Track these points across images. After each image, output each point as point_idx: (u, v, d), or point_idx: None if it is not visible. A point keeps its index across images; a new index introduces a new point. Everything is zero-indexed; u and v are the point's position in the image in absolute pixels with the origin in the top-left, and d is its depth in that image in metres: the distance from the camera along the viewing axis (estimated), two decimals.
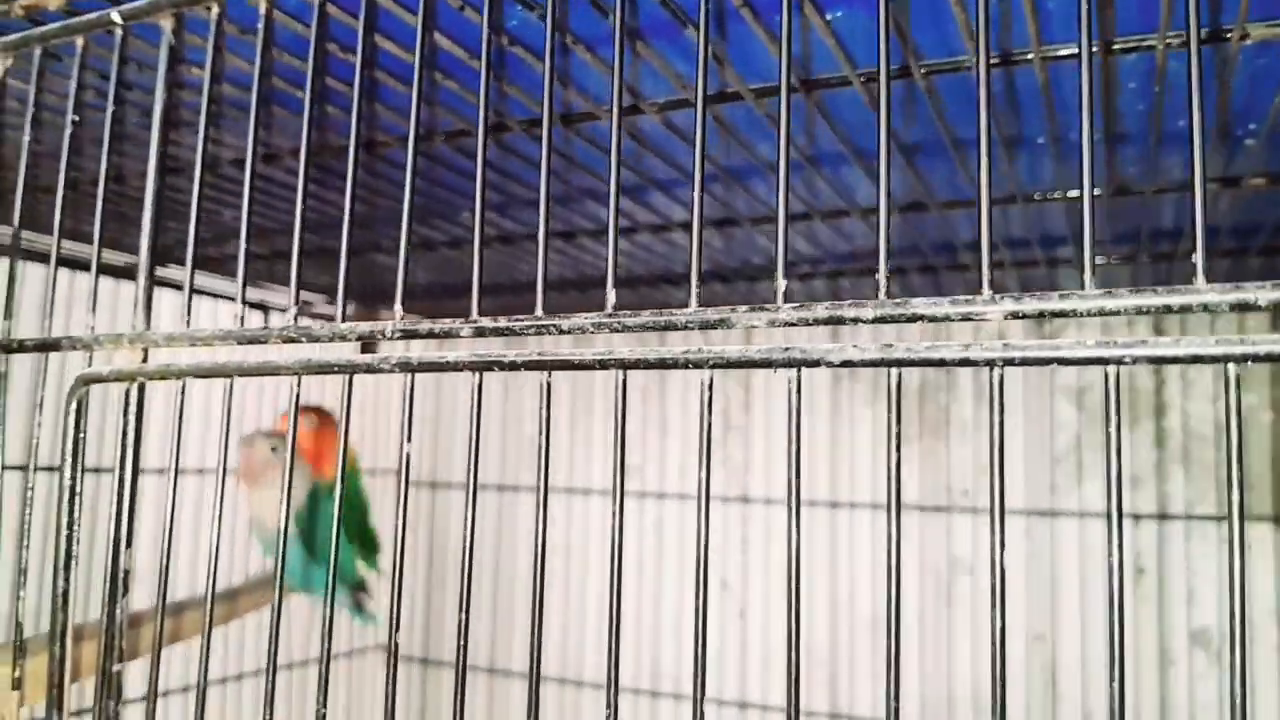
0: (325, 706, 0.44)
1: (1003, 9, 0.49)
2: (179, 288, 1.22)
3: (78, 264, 1.08)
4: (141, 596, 0.78)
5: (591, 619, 1.55)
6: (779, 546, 1.44)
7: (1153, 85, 0.58)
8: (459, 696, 0.41)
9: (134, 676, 1.00)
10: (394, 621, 0.44)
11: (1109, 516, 0.32)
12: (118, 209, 0.91)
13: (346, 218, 0.47)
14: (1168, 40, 0.51)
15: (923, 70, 0.56)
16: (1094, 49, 0.42)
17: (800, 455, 0.36)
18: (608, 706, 0.38)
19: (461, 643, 0.42)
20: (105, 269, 1.13)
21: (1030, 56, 0.53)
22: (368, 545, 1.33)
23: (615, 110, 0.41)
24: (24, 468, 0.53)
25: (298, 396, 0.46)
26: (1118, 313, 0.33)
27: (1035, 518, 1.30)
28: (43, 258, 1.07)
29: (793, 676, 0.35)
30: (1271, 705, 1.17)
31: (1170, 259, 1.05)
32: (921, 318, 0.35)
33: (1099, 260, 1.07)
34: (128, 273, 1.12)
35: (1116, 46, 0.52)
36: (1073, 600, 1.27)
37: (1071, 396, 1.30)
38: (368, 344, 1.66)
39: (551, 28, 0.43)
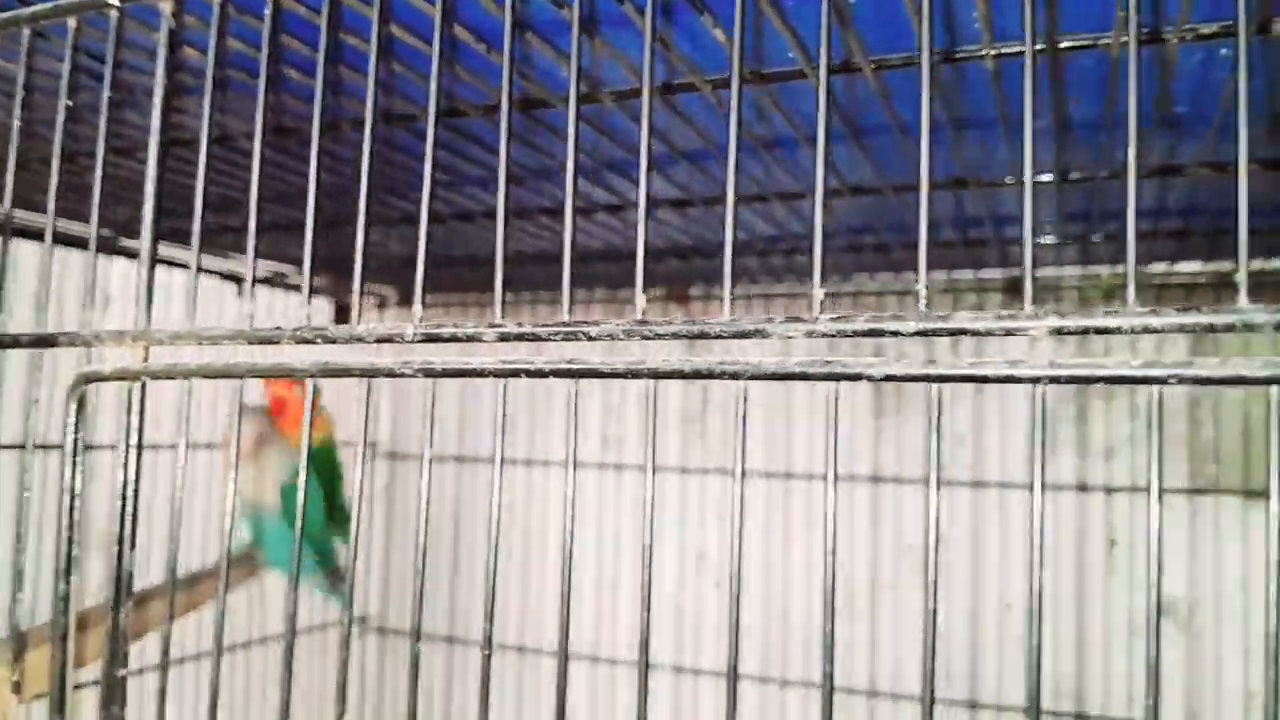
0: (290, 687, 0.44)
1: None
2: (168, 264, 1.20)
3: (66, 240, 1.05)
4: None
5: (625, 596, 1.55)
6: (757, 520, 1.45)
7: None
8: (485, 678, 0.41)
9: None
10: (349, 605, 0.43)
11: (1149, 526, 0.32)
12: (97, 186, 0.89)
13: (363, 206, 0.46)
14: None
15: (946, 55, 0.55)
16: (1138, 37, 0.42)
17: (837, 465, 0.36)
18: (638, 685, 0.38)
19: (488, 627, 0.42)
20: (85, 244, 1.10)
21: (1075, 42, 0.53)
22: (340, 521, 1.32)
23: (646, 93, 0.41)
24: (21, 463, 0.52)
25: (314, 399, 0.45)
26: (1161, 330, 0.33)
27: (1009, 490, 1.32)
28: (34, 236, 1.04)
29: (828, 650, 0.36)
30: (1237, 672, 1.20)
31: (1116, 239, 1.07)
32: (965, 332, 0.35)
33: (1049, 239, 1.09)
34: (106, 245, 1.09)
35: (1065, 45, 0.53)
36: (1046, 571, 1.29)
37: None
38: (341, 311, 1.65)
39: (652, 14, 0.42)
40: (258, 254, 1.29)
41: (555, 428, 1.57)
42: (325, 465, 1.28)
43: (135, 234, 1.12)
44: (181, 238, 1.18)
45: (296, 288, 1.45)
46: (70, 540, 0.49)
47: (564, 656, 0.40)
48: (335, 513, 1.30)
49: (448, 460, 1.63)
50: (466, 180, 0.90)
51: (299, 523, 0.46)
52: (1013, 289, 1.34)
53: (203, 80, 0.50)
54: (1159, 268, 1.24)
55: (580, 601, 1.53)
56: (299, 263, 1.41)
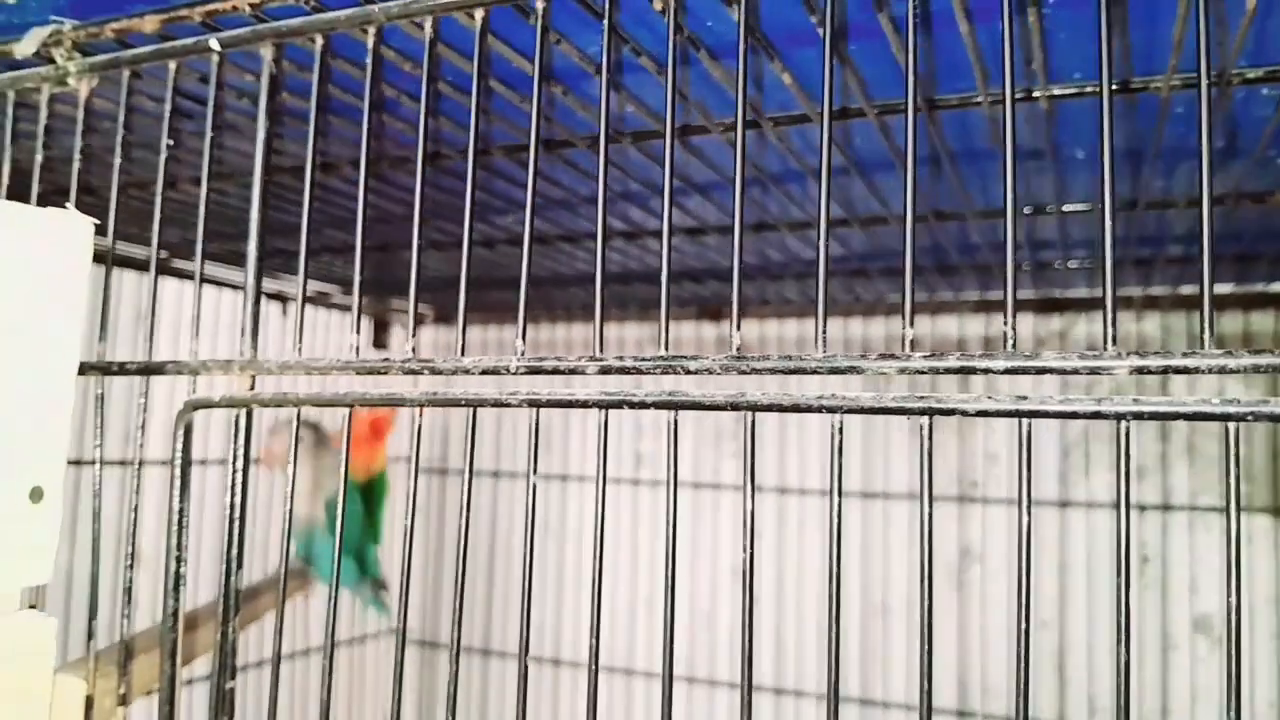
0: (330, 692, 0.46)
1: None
2: (217, 284, 1.23)
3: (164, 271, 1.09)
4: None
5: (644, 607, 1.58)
6: (810, 534, 1.47)
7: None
8: (478, 676, 0.43)
9: None
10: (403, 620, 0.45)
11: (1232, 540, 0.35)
12: (188, 218, 0.93)
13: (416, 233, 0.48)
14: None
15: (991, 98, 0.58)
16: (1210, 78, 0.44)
17: (931, 504, 0.39)
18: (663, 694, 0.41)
19: (523, 637, 0.44)
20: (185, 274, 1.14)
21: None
22: (379, 528, 1.35)
23: (740, 125, 0.43)
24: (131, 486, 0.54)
25: (419, 431, 0.48)
26: (1238, 371, 0.35)
27: (1044, 507, 1.33)
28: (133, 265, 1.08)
29: (833, 662, 0.38)
30: (1270, 689, 1.21)
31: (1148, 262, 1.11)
32: (1051, 370, 0.37)
33: (1075, 263, 1.11)
34: (161, 267, 1.12)
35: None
36: (1080, 588, 1.31)
37: (1081, 388, 1.34)
38: (380, 328, 1.67)
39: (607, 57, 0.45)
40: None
41: (590, 441, 1.60)
42: (376, 488, 1.31)
43: (186, 256, 1.16)
44: (231, 259, 1.22)
45: (339, 307, 1.48)
46: (179, 559, 0.52)
47: (594, 669, 0.43)
48: (375, 526, 1.33)
49: (484, 475, 1.65)
50: (493, 210, 0.94)
51: (338, 533, 0.49)
52: (1047, 308, 1.36)
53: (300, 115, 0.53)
54: (1188, 289, 1.26)
55: (613, 615, 1.56)
56: (341, 282, 1.45)
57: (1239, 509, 0.35)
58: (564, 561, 1.60)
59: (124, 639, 0.55)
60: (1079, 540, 1.32)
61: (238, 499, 0.51)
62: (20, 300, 0.50)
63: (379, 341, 1.62)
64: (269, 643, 1.27)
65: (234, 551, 0.51)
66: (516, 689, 0.44)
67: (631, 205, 0.92)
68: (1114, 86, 0.55)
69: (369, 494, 1.31)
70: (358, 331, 0.50)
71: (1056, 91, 0.60)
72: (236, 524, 0.51)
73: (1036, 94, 0.60)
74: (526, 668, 0.45)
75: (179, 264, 1.19)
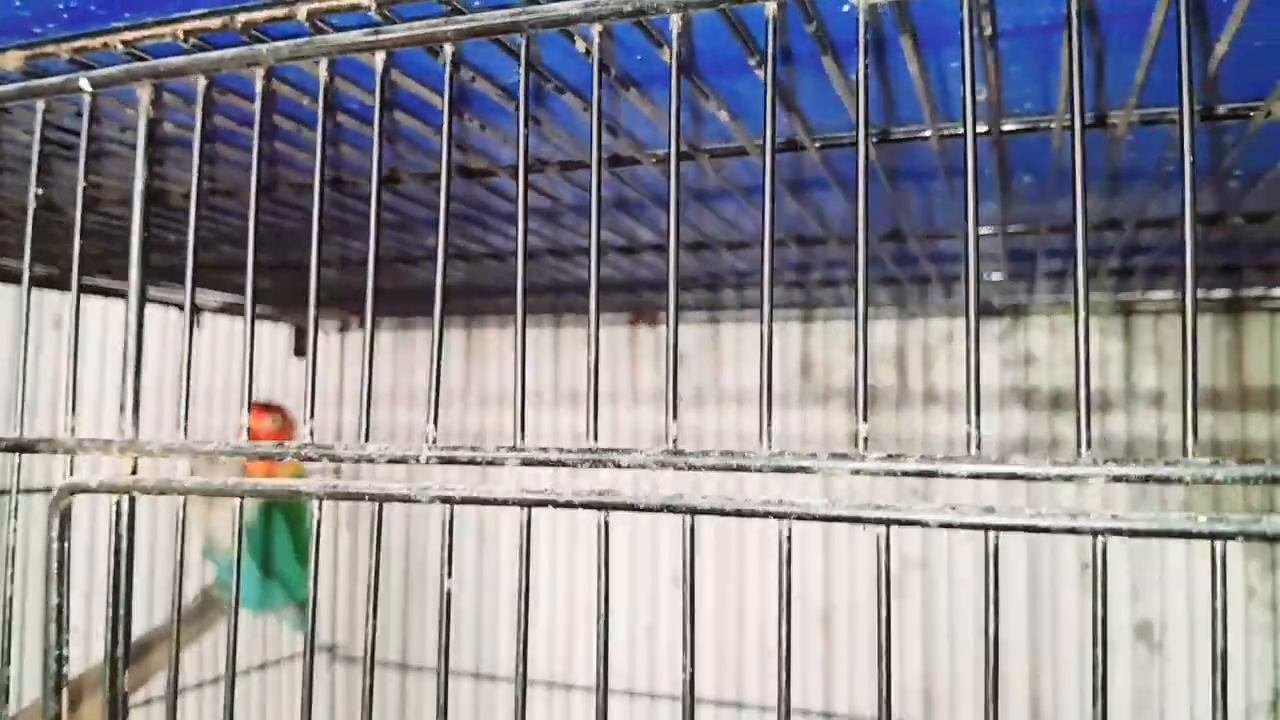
0: None
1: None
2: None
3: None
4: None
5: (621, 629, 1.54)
6: (752, 555, 1.44)
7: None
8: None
9: None
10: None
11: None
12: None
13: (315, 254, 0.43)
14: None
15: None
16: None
17: (890, 597, 0.35)
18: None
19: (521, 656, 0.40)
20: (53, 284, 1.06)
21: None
22: (301, 547, 1.29)
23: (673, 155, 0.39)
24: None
25: (319, 524, 0.43)
26: (1224, 482, 0.32)
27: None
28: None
29: (783, 678, 0.34)
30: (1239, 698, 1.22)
31: (1062, 276, 1.09)
32: (1020, 477, 0.34)
33: (996, 276, 1.09)
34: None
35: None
36: (1020, 597, 1.30)
37: (1044, 402, 1.32)
38: (300, 335, 1.61)
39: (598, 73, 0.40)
40: (214, 286, 1.25)
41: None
42: (296, 507, 1.24)
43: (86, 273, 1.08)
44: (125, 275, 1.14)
45: (259, 316, 1.41)
46: (60, 659, 0.46)
47: (522, 685, 0.39)
48: (301, 548, 1.28)
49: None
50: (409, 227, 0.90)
51: (236, 558, 0.44)
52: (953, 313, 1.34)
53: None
54: (1134, 295, 1.24)
55: (550, 629, 1.52)
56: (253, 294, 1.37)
57: (1225, 628, 0.32)
58: (498, 568, 1.56)
59: None
60: (1019, 552, 1.31)
61: (121, 594, 0.46)
62: None
63: (299, 349, 1.55)
64: (188, 669, 1.22)
65: (118, 653, 0.46)
66: (437, 702, 0.40)
67: (562, 224, 0.87)
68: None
69: (294, 512, 1.25)
70: (248, 409, 0.45)
71: (1009, 126, 0.57)
72: (121, 623, 0.46)
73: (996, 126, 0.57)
74: (447, 679, 0.40)
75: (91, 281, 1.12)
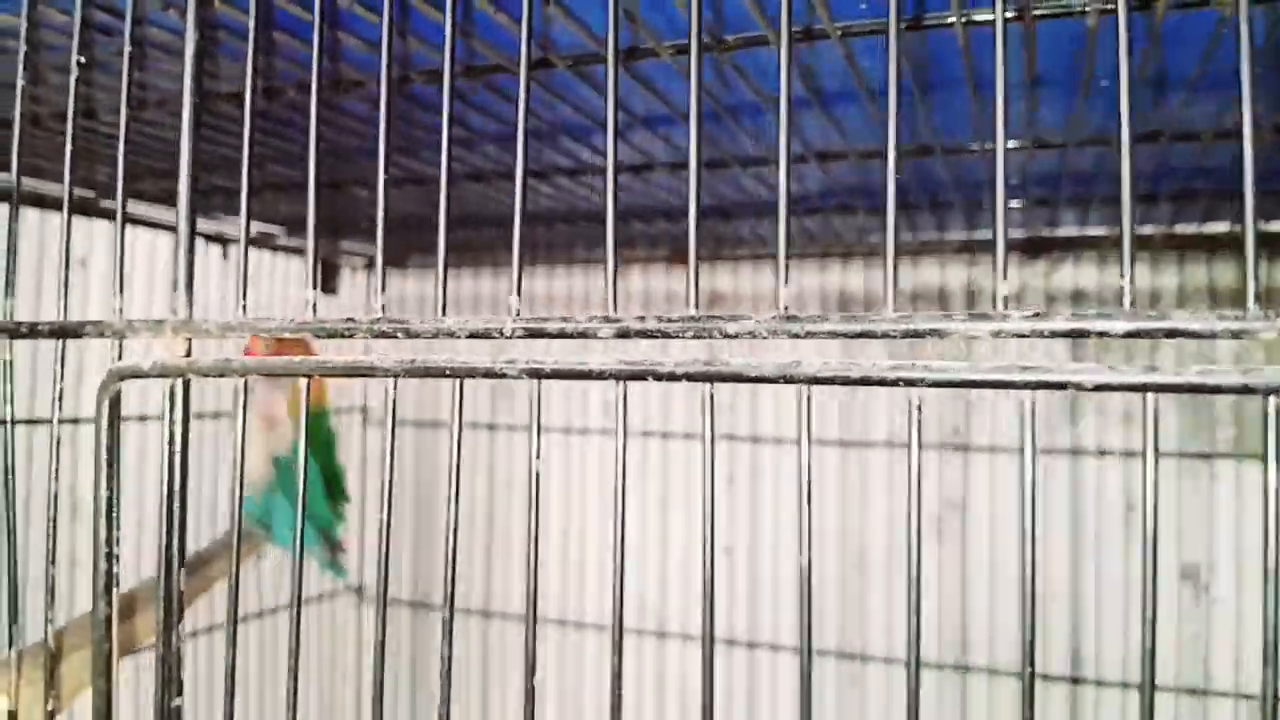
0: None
1: None
2: (153, 225, 1.12)
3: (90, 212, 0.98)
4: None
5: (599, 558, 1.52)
6: (767, 483, 1.41)
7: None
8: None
9: None
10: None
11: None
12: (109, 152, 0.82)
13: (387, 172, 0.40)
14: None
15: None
16: None
17: (1035, 479, 0.32)
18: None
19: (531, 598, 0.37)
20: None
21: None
22: (336, 494, 1.27)
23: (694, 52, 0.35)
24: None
25: (394, 404, 0.40)
26: None
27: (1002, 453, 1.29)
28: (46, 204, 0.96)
29: (806, 613, 0.31)
30: (1258, 639, 1.19)
31: (1088, 202, 1.05)
32: (1181, 333, 0.31)
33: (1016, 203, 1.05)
34: (90, 207, 1.02)
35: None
36: (1063, 535, 1.27)
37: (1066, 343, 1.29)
38: (329, 271, 1.57)
39: None
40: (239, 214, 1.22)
41: (593, 402, 1.52)
42: (320, 435, 1.22)
43: (112, 195, 1.05)
44: (165, 198, 1.11)
45: (285, 249, 1.38)
46: (110, 556, 0.43)
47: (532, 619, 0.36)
48: (331, 484, 1.25)
49: (480, 427, 1.57)
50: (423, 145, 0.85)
51: (300, 498, 0.41)
52: (1030, 248, 1.30)
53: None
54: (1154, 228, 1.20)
55: (586, 571, 1.50)
56: (285, 223, 1.34)
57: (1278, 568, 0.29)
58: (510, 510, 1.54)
59: (49, 647, 0.47)
60: (1061, 488, 1.28)
61: (176, 485, 0.43)
62: None
63: (327, 287, 1.52)
64: (219, 608, 1.20)
65: (174, 547, 0.43)
66: (525, 645, 0.37)
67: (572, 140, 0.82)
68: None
69: (321, 448, 1.22)
70: (315, 286, 0.42)
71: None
72: (176, 515, 0.43)
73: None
74: (535, 628, 0.38)
75: (107, 204, 1.09)
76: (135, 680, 0.98)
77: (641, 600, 1.47)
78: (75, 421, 1.05)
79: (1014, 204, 1.07)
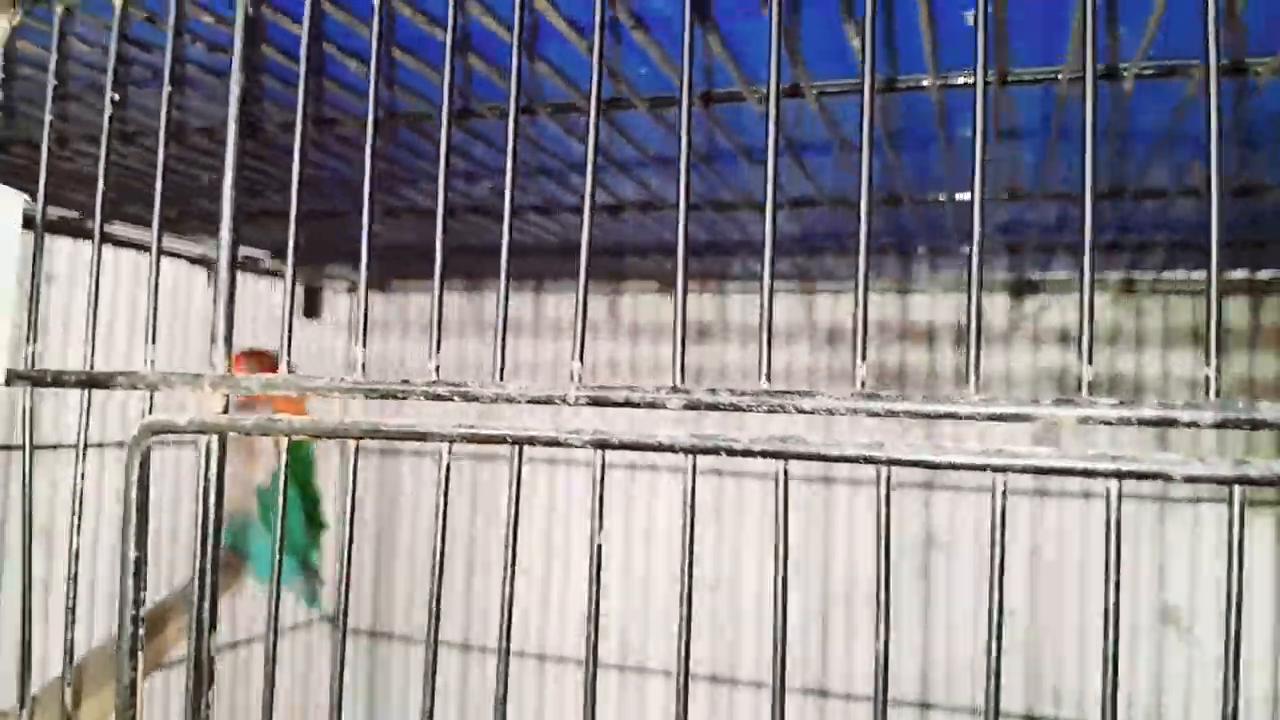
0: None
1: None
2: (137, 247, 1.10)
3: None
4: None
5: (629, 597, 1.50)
6: (751, 518, 1.41)
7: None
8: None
9: None
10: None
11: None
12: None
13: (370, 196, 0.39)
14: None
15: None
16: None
17: (1118, 560, 0.32)
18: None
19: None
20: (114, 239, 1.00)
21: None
22: (314, 522, 1.24)
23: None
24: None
25: (448, 470, 0.39)
26: None
27: (1016, 496, 1.30)
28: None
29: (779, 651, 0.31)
30: (1265, 681, 1.20)
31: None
32: (1267, 424, 0.30)
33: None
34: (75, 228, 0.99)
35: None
36: (1052, 573, 1.28)
37: (1053, 382, 1.30)
38: (311, 294, 1.55)
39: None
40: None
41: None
42: (300, 464, 1.20)
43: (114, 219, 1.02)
44: (137, 220, 1.09)
45: (269, 272, 1.36)
46: (135, 619, 0.42)
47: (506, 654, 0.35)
48: (310, 513, 1.23)
49: (388, 455, 1.55)
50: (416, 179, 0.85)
51: (278, 527, 0.41)
52: (1017, 289, 1.32)
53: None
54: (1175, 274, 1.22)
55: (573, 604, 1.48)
56: (269, 248, 1.32)
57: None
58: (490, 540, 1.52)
59: (67, 714, 0.45)
60: (1051, 528, 1.29)
61: (209, 545, 0.42)
62: None
63: (310, 310, 1.49)
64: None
65: (204, 616, 0.41)
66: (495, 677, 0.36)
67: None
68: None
69: (300, 477, 1.20)
70: (363, 344, 0.41)
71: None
72: (208, 577, 0.42)
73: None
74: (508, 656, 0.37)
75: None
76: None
77: (624, 635, 1.45)
78: (55, 448, 1.02)
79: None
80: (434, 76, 0.56)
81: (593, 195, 0.38)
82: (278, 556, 0.41)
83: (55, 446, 1.02)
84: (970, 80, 0.53)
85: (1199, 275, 1.22)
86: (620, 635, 1.45)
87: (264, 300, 1.37)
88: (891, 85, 0.56)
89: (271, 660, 0.41)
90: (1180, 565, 1.24)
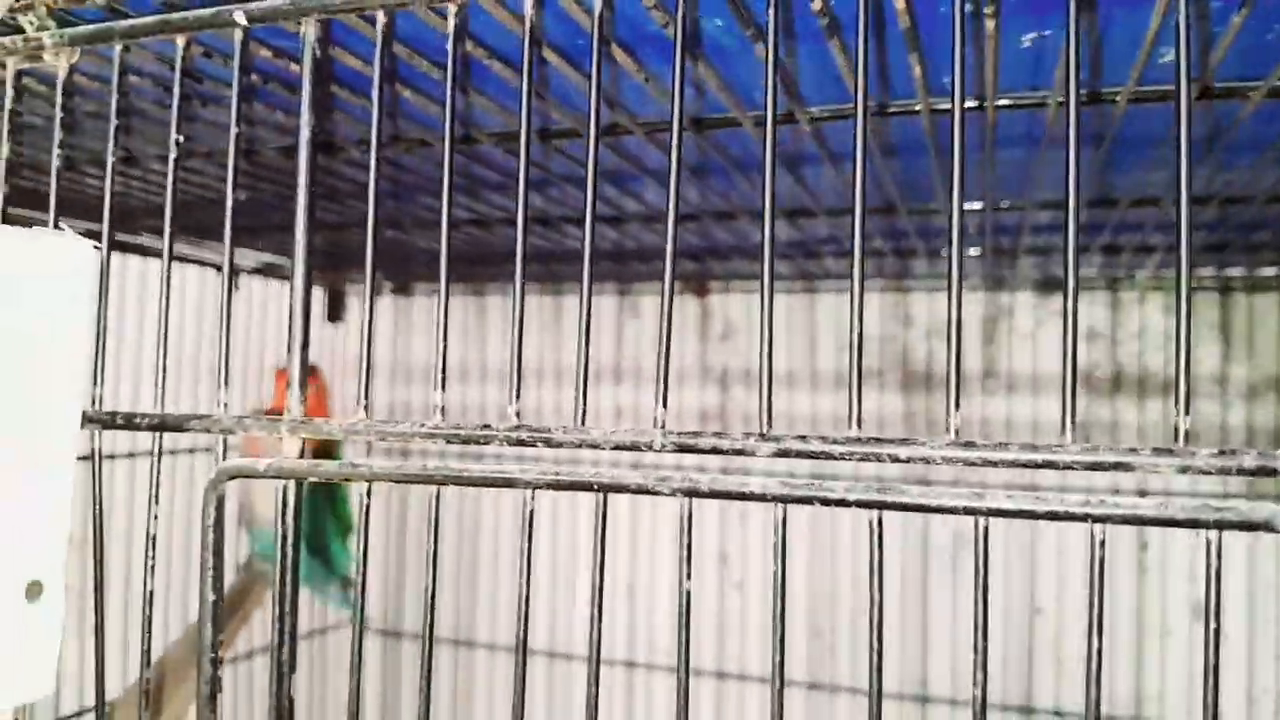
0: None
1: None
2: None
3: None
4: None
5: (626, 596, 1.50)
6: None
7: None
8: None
9: None
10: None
11: None
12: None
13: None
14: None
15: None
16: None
17: (1219, 608, 0.32)
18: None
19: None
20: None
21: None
22: (345, 529, 1.25)
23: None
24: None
25: (532, 514, 0.39)
26: None
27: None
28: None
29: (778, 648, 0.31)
30: (1270, 676, 1.21)
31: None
32: None
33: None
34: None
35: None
36: (1077, 573, 1.28)
37: (1081, 378, 1.30)
38: (335, 298, 1.55)
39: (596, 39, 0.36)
40: (252, 248, 1.19)
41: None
42: (333, 459, 1.20)
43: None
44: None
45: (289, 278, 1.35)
46: (215, 663, 0.42)
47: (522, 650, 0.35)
48: (339, 520, 1.24)
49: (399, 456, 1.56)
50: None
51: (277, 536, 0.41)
52: (1044, 287, 1.32)
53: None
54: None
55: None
56: (288, 253, 1.32)
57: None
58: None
59: None
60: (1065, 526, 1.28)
61: (288, 589, 0.42)
62: (8, 346, 0.39)
63: (334, 315, 1.49)
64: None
65: (284, 658, 0.42)
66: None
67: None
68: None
69: (328, 486, 1.21)
70: (442, 389, 0.41)
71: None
72: (287, 620, 0.42)
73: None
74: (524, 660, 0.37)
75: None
76: None
77: (631, 632, 1.46)
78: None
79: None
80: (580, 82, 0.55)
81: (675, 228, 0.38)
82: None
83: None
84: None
85: (1229, 273, 1.22)
86: (629, 633, 1.46)
87: (285, 305, 1.37)
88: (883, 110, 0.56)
89: (290, 663, 0.41)
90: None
